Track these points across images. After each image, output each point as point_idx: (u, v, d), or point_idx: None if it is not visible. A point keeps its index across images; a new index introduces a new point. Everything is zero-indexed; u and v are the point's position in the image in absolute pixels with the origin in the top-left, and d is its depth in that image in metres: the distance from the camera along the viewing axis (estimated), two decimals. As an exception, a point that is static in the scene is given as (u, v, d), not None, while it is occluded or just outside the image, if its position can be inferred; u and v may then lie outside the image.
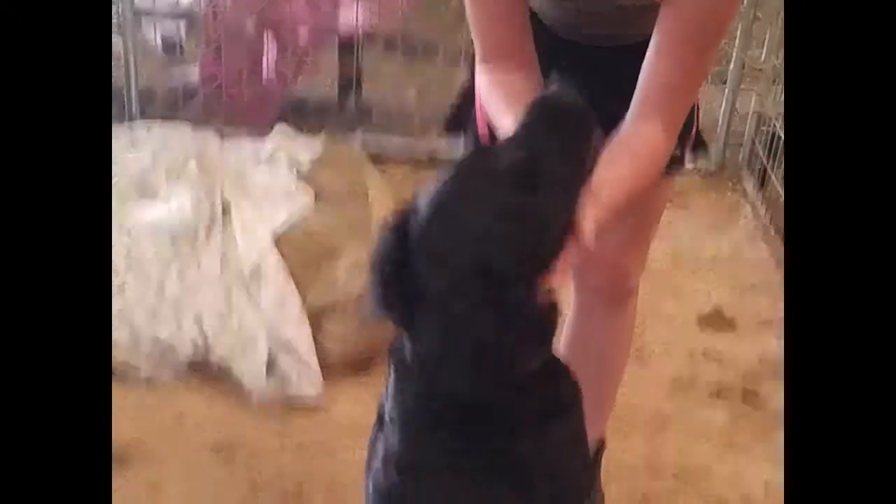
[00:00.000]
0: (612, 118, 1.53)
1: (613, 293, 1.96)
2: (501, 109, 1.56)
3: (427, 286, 1.24)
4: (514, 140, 1.32)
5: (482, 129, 1.73)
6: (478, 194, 1.25)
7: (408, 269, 1.25)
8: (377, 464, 1.40)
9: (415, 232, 1.25)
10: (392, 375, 1.38)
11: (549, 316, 1.32)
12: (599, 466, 2.11)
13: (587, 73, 1.67)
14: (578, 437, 1.46)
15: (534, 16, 1.68)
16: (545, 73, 1.67)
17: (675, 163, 1.67)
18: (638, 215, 1.81)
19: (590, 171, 1.35)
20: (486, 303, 1.21)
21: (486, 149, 1.42)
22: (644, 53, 1.53)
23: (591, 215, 1.30)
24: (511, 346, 1.24)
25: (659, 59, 1.50)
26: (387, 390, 1.39)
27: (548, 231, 1.27)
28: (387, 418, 1.39)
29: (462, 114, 1.85)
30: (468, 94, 1.80)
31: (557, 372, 1.41)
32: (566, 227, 1.29)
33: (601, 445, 2.10)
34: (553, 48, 1.69)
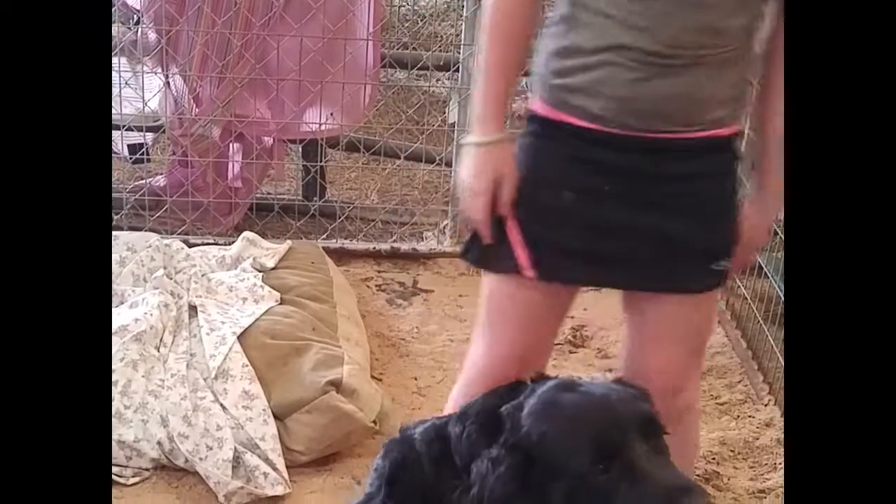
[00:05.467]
0: (672, 242, 1.71)
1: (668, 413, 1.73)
2: None
3: None
4: None
5: (522, 261, 1.78)
6: None
7: None
8: None
9: None
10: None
11: None
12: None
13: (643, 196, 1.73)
14: None
15: (587, 145, 1.71)
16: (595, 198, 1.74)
17: (719, 278, 1.79)
18: (689, 341, 1.87)
19: None
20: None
21: None
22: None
23: None
24: None
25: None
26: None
27: None
28: None
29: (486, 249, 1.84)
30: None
31: None
32: None
33: None
34: (605, 172, 1.72)
